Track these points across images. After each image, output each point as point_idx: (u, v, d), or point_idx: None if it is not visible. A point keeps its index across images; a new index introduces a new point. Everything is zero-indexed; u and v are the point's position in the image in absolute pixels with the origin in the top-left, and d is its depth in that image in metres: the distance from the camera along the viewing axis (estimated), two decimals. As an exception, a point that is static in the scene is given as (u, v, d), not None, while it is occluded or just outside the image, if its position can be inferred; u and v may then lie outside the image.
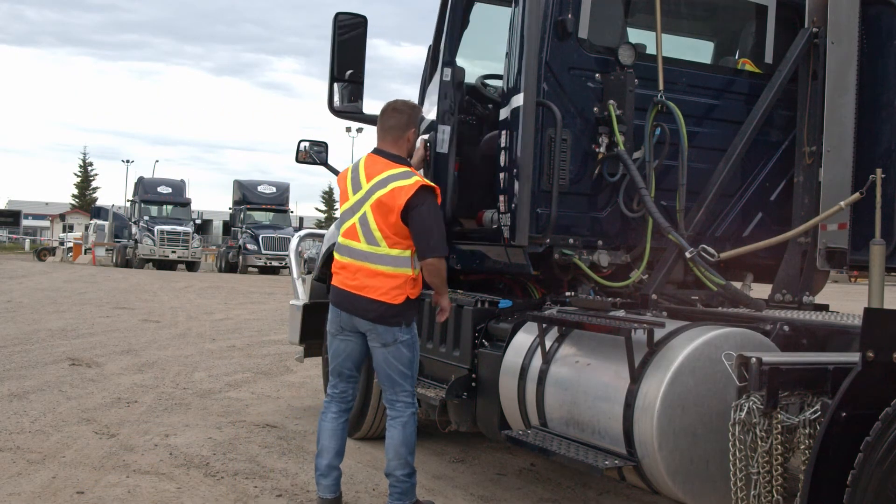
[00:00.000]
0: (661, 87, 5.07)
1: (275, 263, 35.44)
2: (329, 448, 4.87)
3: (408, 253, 4.71)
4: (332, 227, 5.47)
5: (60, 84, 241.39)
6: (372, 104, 5.96)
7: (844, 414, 2.96)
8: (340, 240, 4.91)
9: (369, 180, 4.77)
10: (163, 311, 16.41)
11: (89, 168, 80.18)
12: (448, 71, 5.61)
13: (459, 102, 5.70)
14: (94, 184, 79.50)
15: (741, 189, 5.50)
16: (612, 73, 5.07)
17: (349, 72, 6.18)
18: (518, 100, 4.89)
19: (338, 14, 6.12)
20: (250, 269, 36.28)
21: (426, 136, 5.70)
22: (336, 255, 4.95)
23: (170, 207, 39.73)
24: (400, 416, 4.77)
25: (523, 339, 4.84)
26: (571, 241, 5.13)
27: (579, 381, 4.25)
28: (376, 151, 4.93)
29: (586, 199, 5.17)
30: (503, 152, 5.08)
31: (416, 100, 6.35)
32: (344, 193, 4.95)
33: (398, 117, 4.89)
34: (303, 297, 7.31)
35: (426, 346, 5.67)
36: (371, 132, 5.52)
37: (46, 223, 74.53)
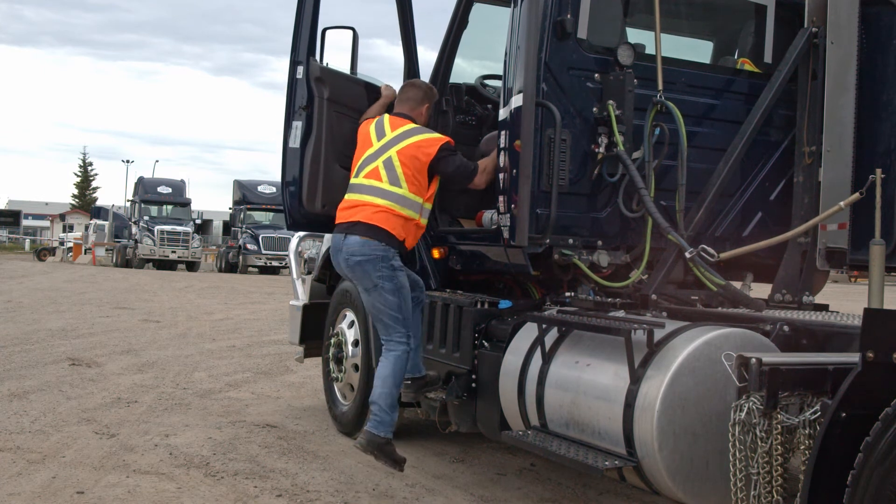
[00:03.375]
0: (660, 87, 5.07)
1: (275, 263, 35.42)
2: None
3: (420, 200, 5.22)
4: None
5: (60, 84, 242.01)
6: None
7: (844, 414, 2.96)
8: (361, 181, 5.26)
9: (393, 130, 5.33)
10: (163, 311, 16.41)
11: (89, 168, 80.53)
12: (300, 69, 5.92)
13: (321, 97, 5.87)
14: (94, 184, 79.87)
15: (741, 189, 5.50)
16: (612, 73, 5.06)
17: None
18: (517, 100, 4.89)
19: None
20: (250, 269, 36.27)
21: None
22: (352, 196, 5.27)
23: (170, 207, 39.74)
24: (394, 351, 5.16)
25: (523, 339, 4.83)
26: (571, 241, 5.12)
27: (579, 381, 4.24)
28: (397, 114, 5.48)
29: (586, 200, 5.17)
30: (503, 152, 5.08)
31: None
32: (366, 140, 5.39)
33: (416, 91, 5.55)
34: (303, 297, 7.31)
35: (426, 346, 5.67)
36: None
37: (46, 223, 74.47)
